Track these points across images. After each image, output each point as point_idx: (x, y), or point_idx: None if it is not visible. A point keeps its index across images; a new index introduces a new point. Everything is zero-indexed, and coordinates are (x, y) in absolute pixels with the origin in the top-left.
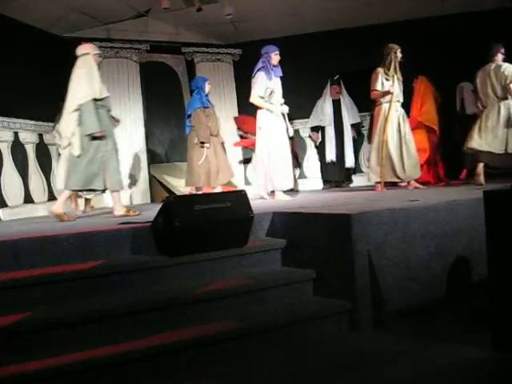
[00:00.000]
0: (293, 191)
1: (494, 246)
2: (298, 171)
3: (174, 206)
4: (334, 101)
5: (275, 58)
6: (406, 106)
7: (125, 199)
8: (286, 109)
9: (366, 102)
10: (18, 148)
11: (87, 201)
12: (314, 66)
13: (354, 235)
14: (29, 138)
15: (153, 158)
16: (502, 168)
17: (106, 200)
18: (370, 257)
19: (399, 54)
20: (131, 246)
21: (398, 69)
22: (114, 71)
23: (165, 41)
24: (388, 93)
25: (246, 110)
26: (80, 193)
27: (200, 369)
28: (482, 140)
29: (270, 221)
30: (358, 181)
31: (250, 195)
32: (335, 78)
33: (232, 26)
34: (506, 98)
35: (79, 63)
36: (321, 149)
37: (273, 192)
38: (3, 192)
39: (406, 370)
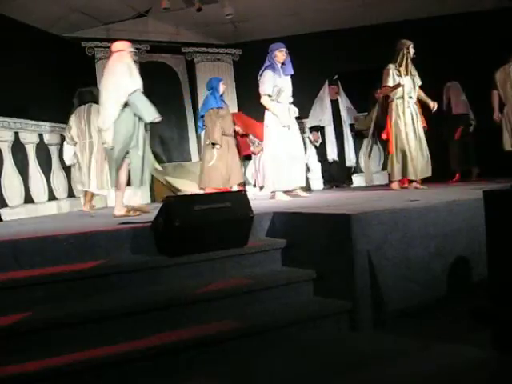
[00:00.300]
0: (308, 191)
1: (493, 246)
2: None
3: (173, 206)
4: (332, 101)
5: (279, 55)
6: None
7: (125, 199)
8: (294, 112)
9: (364, 103)
10: (18, 148)
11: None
12: (314, 65)
13: (354, 235)
14: (29, 138)
15: (153, 157)
16: None
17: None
18: (370, 257)
19: (412, 50)
20: (131, 246)
21: (410, 65)
22: None
23: (165, 41)
24: (398, 86)
25: (246, 110)
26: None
27: (200, 369)
28: None
29: (270, 221)
30: (358, 181)
31: (249, 195)
32: (334, 78)
33: (232, 26)
34: None
35: (116, 58)
36: (321, 149)
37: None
38: (3, 192)
39: (406, 370)
